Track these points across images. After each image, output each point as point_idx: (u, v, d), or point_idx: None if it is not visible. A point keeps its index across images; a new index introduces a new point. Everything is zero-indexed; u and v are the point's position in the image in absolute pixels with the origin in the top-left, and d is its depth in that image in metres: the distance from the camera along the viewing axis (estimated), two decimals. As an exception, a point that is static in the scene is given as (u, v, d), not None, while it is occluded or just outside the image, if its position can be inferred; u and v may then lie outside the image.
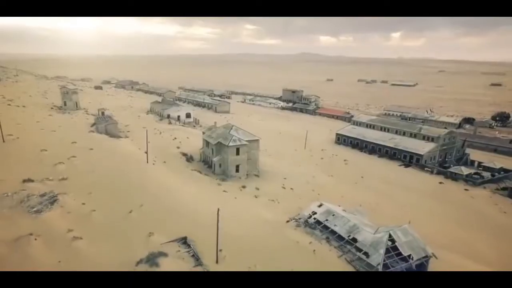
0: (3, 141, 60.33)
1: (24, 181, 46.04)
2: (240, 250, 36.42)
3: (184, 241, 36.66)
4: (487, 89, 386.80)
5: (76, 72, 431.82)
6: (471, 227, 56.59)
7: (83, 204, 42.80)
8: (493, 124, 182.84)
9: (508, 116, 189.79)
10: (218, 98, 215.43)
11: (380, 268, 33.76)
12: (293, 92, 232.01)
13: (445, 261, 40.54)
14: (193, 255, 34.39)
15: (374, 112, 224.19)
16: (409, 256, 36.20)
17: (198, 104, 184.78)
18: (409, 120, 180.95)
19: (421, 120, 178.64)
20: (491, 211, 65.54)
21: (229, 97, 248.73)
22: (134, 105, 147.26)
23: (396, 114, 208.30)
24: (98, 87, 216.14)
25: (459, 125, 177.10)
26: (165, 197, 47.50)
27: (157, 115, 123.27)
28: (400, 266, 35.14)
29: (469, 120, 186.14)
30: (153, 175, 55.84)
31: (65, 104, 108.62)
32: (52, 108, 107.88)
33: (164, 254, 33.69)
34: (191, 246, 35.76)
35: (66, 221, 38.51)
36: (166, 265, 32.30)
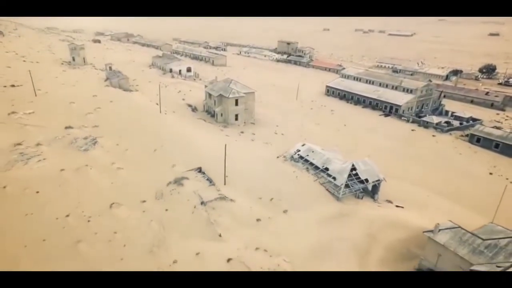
0: (35, 95, 70.13)
1: (66, 127, 57.26)
2: (241, 177, 48.97)
3: (199, 170, 49.10)
4: (485, 39, 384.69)
5: (65, 22, 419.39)
6: (426, 164, 69.43)
7: (117, 145, 54.60)
8: (479, 76, 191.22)
9: (494, 68, 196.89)
10: (214, 51, 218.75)
11: (342, 187, 46.67)
12: (288, 44, 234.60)
13: (394, 185, 54.00)
14: (207, 179, 46.98)
15: (367, 64, 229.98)
16: (366, 180, 49.07)
17: (196, 58, 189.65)
18: (400, 72, 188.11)
19: (410, 73, 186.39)
20: (449, 152, 78.33)
21: (224, 49, 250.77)
22: (135, 59, 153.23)
23: (388, 66, 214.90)
24: (96, 41, 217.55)
25: (447, 77, 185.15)
26: (180, 139, 59.21)
27: (160, 69, 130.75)
28: (358, 186, 48.20)
29: (456, 72, 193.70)
30: (167, 122, 66.97)
31: (73, 60, 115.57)
32: (62, 63, 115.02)
33: (186, 178, 46.26)
34: (205, 173, 48.28)
35: (108, 157, 50.56)
36: (189, 185, 44.95)
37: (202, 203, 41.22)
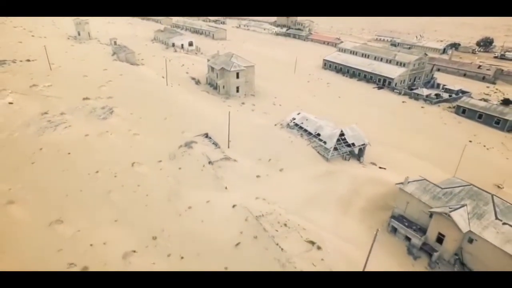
0: (50, 69, 75.32)
1: (84, 98, 63.17)
2: (242, 141, 55.53)
3: (206, 135, 55.64)
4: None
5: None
6: (412, 132, 75.62)
7: (131, 114, 60.78)
8: (476, 50, 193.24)
9: (491, 42, 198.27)
10: (214, 24, 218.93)
11: (331, 150, 53.37)
12: (287, 17, 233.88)
13: (380, 150, 60.63)
14: (213, 143, 53.60)
15: (366, 37, 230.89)
16: (352, 143, 55.72)
17: (196, 31, 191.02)
18: (398, 45, 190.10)
19: (408, 46, 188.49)
20: (435, 122, 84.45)
21: (223, 22, 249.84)
22: (137, 33, 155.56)
23: (387, 40, 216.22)
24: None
25: (444, 51, 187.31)
26: (187, 109, 65.34)
27: (162, 44, 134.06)
28: (345, 149, 54.94)
29: (454, 45, 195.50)
30: (174, 94, 72.76)
31: (79, 34, 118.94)
32: (68, 38, 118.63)
33: (195, 142, 52.87)
34: (211, 138, 54.87)
35: (125, 124, 56.91)
36: (198, 148, 51.61)
37: (209, 162, 48.04)
